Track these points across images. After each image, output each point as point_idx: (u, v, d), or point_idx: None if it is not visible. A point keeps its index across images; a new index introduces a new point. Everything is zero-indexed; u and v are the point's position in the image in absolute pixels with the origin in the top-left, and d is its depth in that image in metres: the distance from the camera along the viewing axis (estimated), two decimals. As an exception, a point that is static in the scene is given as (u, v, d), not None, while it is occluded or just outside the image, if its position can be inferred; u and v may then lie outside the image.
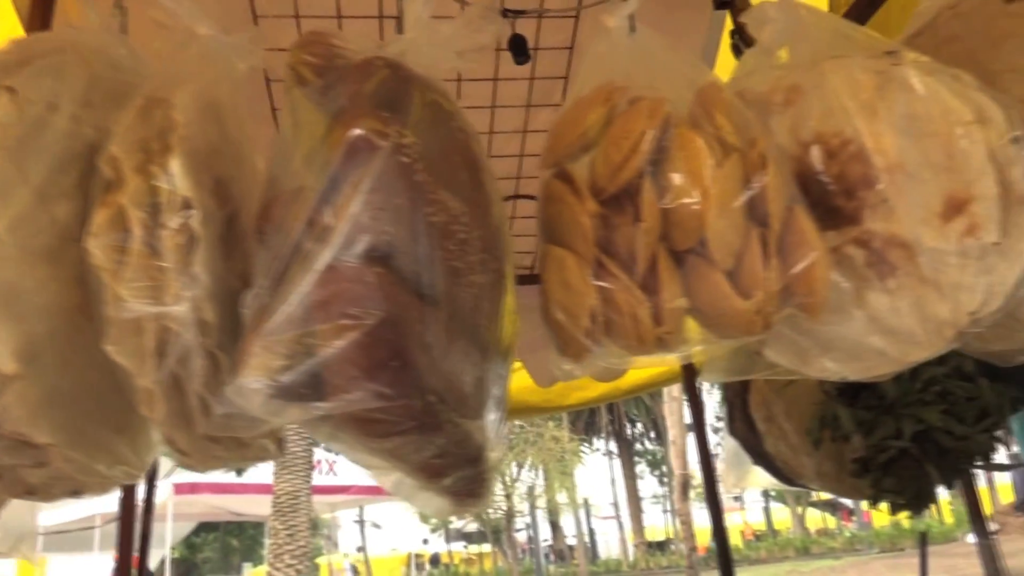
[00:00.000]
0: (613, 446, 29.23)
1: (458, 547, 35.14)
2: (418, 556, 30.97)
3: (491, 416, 0.89)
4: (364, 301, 0.60)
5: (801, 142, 0.98)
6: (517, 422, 22.57)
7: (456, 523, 27.85)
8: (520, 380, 3.83)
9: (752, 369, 1.14)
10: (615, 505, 30.93)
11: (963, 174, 0.87)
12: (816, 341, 0.99)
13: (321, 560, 28.65)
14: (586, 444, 28.62)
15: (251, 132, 0.86)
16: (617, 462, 29.17)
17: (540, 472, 23.44)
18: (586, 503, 29.85)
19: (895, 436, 1.72)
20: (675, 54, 1.00)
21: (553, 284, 0.91)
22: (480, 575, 28.44)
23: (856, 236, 0.94)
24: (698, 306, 0.90)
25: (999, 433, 1.83)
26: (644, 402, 24.77)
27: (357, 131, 0.64)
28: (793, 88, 0.99)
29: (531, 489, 23.92)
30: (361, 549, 30.94)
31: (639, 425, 28.85)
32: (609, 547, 33.13)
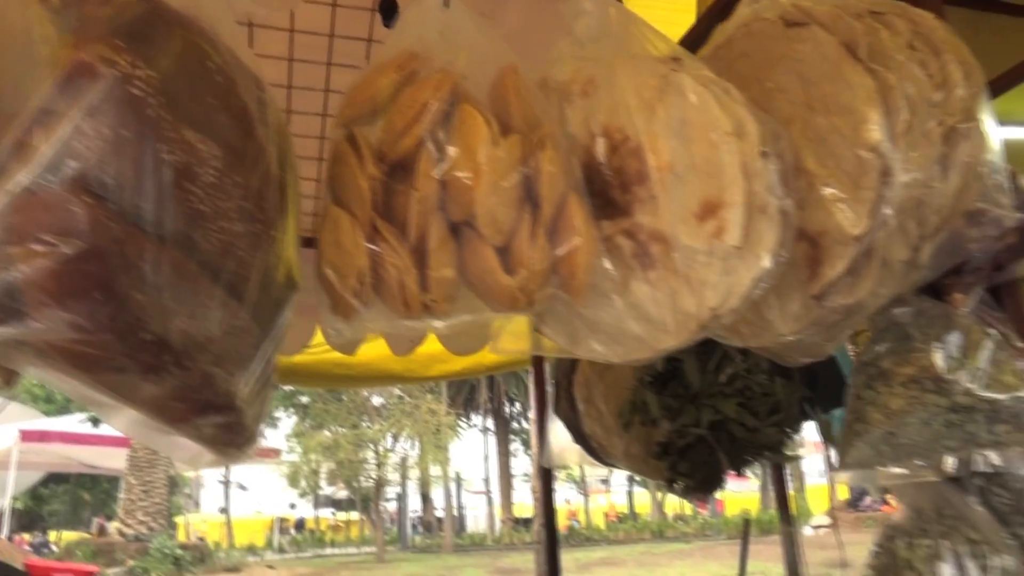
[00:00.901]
0: (491, 423, 29.67)
1: (326, 513, 34.77)
2: (283, 520, 30.41)
3: (249, 365, 0.89)
4: (64, 229, 0.59)
5: (591, 133, 1.02)
6: (396, 391, 22.54)
7: (326, 490, 27.48)
8: (382, 348, 3.82)
9: (543, 348, 1.19)
10: (487, 481, 31.50)
11: (718, 180, 0.93)
12: (585, 322, 1.05)
13: (179, 519, 27.58)
14: (465, 419, 28.91)
15: (28, 51, 0.81)
16: (493, 439, 29.66)
17: (416, 444, 23.49)
18: (458, 477, 30.23)
19: (695, 424, 1.85)
20: (483, 34, 1.02)
21: (327, 243, 0.92)
22: (345, 542, 28.27)
23: (626, 227, 0.99)
24: (468, 278, 0.94)
25: (788, 428, 2.01)
26: (524, 381, 25.21)
27: (81, 55, 0.62)
28: (589, 81, 1.04)
29: (404, 460, 23.94)
30: (224, 510, 30.04)
31: (517, 404, 29.40)
32: (478, 521, 33.72)
